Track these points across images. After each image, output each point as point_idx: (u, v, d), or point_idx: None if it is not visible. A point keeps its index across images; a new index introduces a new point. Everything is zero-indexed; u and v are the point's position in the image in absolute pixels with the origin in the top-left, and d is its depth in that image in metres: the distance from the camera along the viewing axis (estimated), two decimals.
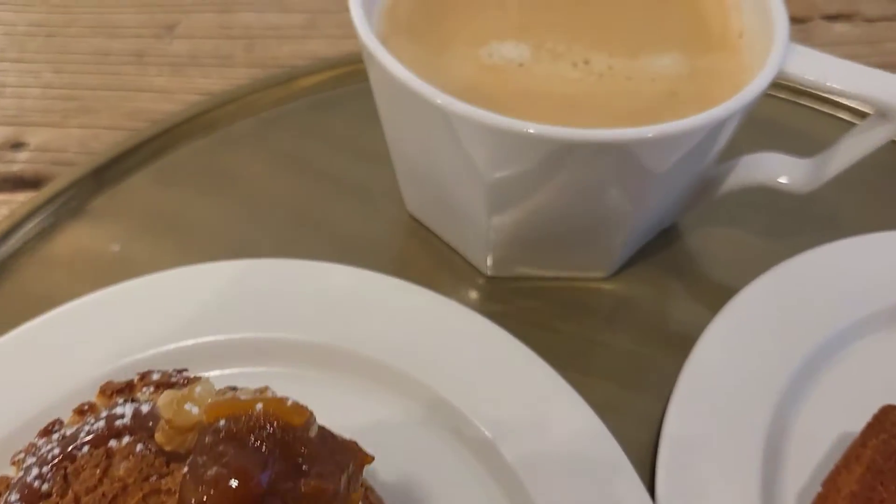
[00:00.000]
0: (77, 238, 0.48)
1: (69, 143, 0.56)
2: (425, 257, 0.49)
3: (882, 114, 0.39)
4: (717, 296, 0.45)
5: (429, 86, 0.37)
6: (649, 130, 0.36)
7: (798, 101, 0.56)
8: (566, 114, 0.40)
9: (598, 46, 0.43)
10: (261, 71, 0.61)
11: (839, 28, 0.66)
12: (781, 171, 0.44)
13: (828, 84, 0.39)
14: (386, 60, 0.38)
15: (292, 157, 0.52)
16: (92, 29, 0.64)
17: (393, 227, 0.50)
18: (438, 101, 0.37)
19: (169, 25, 0.64)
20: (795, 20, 0.66)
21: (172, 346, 0.39)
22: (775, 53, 0.39)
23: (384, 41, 0.43)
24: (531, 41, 0.43)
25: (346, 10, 0.59)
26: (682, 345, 0.43)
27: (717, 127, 0.37)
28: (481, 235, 0.45)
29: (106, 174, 0.50)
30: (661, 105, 0.41)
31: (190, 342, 0.40)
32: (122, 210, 0.49)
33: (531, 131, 0.36)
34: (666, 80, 0.42)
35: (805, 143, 0.51)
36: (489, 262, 0.46)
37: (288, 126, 0.54)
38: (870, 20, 0.67)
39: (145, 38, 0.63)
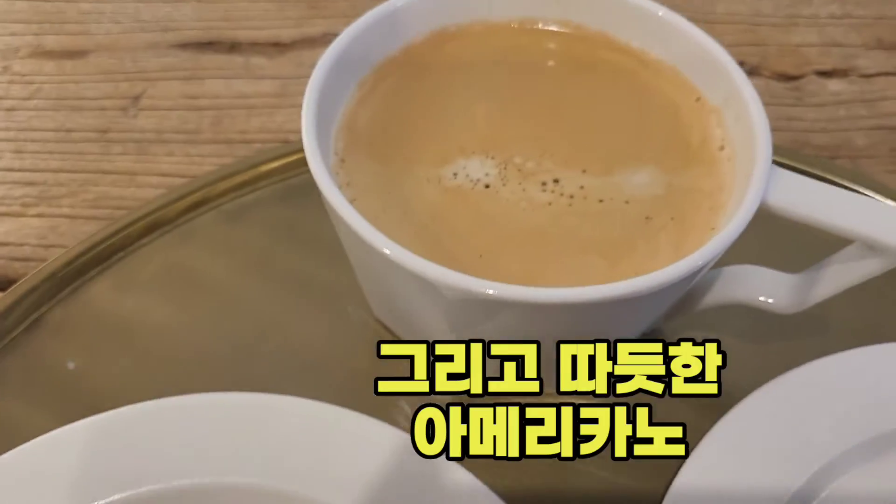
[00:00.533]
0: (31, 354, 0.46)
1: (28, 236, 0.54)
2: (394, 371, 0.46)
3: (870, 247, 0.37)
4: (702, 411, 0.43)
5: (378, 234, 0.35)
6: (612, 289, 0.33)
7: None
8: (533, 245, 0.38)
9: (570, 162, 0.41)
10: (227, 147, 0.59)
11: (834, 86, 0.63)
12: (764, 289, 0.42)
13: (814, 217, 0.36)
14: (335, 201, 0.36)
15: (257, 257, 0.50)
16: (55, 101, 0.62)
17: (360, 335, 0.48)
18: (387, 252, 0.34)
19: (134, 96, 0.62)
20: (788, 77, 0.63)
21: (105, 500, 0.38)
22: (755, 185, 0.36)
23: (342, 158, 0.41)
24: (499, 156, 0.41)
25: None
26: (662, 471, 0.41)
27: (689, 276, 0.35)
28: None
29: (61, 281, 0.48)
30: (634, 232, 0.39)
31: (129, 493, 0.38)
32: (78, 321, 0.47)
33: (488, 291, 0.33)
34: (640, 201, 0.40)
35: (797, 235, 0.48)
36: None
37: (253, 220, 0.52)
38: (866, 76, 0.64)
39: (109, 111, 0.61)
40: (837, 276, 0.39)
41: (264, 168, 0.54)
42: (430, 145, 0.41)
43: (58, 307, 0.48)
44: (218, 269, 0.50)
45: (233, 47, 0.65)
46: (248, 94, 0.62)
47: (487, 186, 0.40)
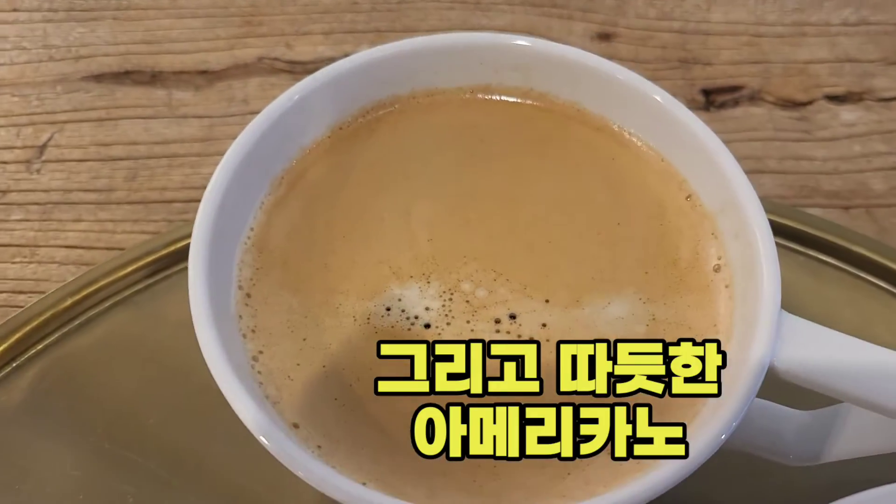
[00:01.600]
0: None
1: None
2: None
3: None
4: None
5: (298, 448, 0.28)
6: None
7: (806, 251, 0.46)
8: None
9: (531, 290, 0.33)
10: (143, 209, 0.51)
11: (847, 114, 0.55)
12: (770, 433, 0.34)
13: (839, 389, 0.29)
14: (227, 388, 0.28)
15: (168, 365, 0.42)
16: None
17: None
18: (299, 474, 0.27)
19: (39, 145, 0.53)
20: (794, 103, 0.55)
21: None
22: (759, 347, 0.29)
23: (248, 293, 0.33)
24: (442, 282, 0.33)
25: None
26: None
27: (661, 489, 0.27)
28: None
29: None
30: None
31: None
32: None
33: None
34: None
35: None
36: None
37: (164, 313, 0.44)
38: (884, 99, 0.56)
39: (10, 164, 0.52)
40: (857, 437, 0.32)
41: (179, 245, 0.46)
42: (357, 269, 0.34)
43: None
44: (126, 384, 0.42)
45: (154, 77, 0.57)
46: (170, 138, 0.54)
47: (427, 326, 0.32)
